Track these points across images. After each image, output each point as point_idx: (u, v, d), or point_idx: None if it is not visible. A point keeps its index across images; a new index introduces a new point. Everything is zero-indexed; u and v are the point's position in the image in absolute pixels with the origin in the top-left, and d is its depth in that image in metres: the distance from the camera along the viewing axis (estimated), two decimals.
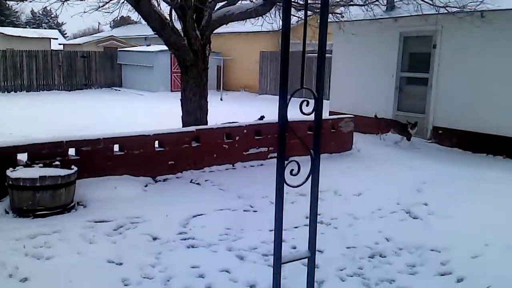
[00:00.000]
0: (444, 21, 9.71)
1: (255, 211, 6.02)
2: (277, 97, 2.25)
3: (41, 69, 23.36)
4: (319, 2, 2.22)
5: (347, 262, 4.52)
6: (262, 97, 21.53)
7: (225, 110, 13.98)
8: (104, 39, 32.53)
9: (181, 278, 4.12)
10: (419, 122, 10.21)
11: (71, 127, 10.85)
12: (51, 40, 32.66)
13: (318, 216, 2.54)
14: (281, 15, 2.20)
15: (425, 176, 7.54)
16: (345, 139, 9.53)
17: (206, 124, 8.84)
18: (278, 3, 9.34)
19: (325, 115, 10.76)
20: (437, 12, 9.32)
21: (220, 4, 9.47)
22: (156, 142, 7.36)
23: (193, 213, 5.75)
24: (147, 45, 25.98)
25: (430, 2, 9.09)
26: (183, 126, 8.69)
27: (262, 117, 10.28)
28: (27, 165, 5.98)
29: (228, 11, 9.17)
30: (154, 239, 5.01)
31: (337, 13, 11.41)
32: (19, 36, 29.73)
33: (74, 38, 48.02)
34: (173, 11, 8.42)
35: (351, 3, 10.44)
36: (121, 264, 4.40)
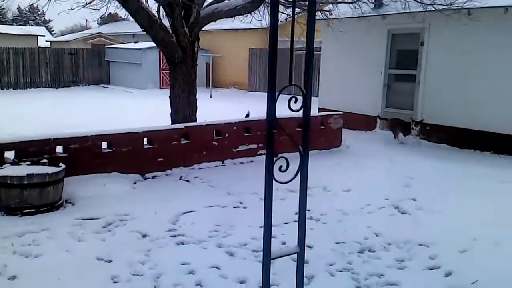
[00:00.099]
0: (432, 19, 9.78)
1: (245, 208, 6.03)
2: (267, 94, 2.26)
3: (28, 67, 23.15)
4: None
5: (336, 257, 4.55)
6: (251, 94, 21.54)
7: (214, 107, 13.97)
8: (91, 36, 32.30)
9: (171, 275, 4.11)
10: (407, 118, 10.28)
11: (58, 124, 10.76)
12: (38, 37, 32.31)
13: (307, 212, 2.56)
14: (269, 12, 2.21)
15: (413, 172, 7.60)
16: (334, 136, 9.57)
17: (195, 121, 8.83)
18: (267, 0, 9.34)
19: (315, 112, 10.80)
20: (424, 10, 9.40)
21: (209, 1, 9.45)
22: (145, 139, 7.33)
23: (183, 210, 5.74)
24: (135, 42, 25.83)
25: None
26: (172, 123, 8.66)
27: (248, 115, 10.29)
28: (14, 163, 5.93)
29: (216, 8, 9.15)
30: (144, 236, 4.99)
31: (326, 11, 11.46)
32: (6, 34, 29.32)
33: (62, 35, 47.59)
34: (161, 7, 8.38)
35: (339, 0, 10.49)
36: (110, 261, 4.38)
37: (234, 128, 8.22)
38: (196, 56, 8.95)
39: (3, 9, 50.83)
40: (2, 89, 22.17)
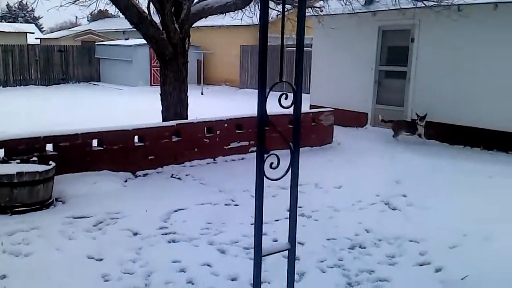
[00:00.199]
0: (422, 15, 9.81)
1: (236, 205, 6.03)
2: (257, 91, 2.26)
3: (17, 64, 22.95)
4: None
5: (327, 254, 4.56)
6: (243, 91, 21.52)
7: (206, 105, 13.94)
8: (81, 33, 32.07)
9: (162, 273, 4.10)
10: (398, 116, 10.33)
11: (48, 122, 10.69)
12: (28, 34, 32.03)
13: (299, 208, 2.57)
14: (260, 9, 2.21)
15: (403, 168, 7.64)
16: (326, 133, 9.59)
17: (187, 118, 8.80)
18: None
19: (306, 108, 10.81)
20: (414, 6, 9.43)
21: None
22: (136, 137, 7.30)
23: (174, 207, 5.73)
24: (126, 39, 25.72)
25: None
26: (163, 121, 8.63)
27: None
28: (4, 161, 5.88)
29: (207, 4, 9.12)
30: (135, 234, 4.97)
31: (316, 7, 11.46)
32: None
33: (51, 32, 47.23)
34: (151, 4, 8.34)
35: None
36: (101, 260, 4.36)
37: (226, 125, 8.20)
38: (187, 53, 8.92)
39: None
40: None
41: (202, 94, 19.51)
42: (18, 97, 18.12)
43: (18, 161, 5.86)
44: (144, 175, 7.20)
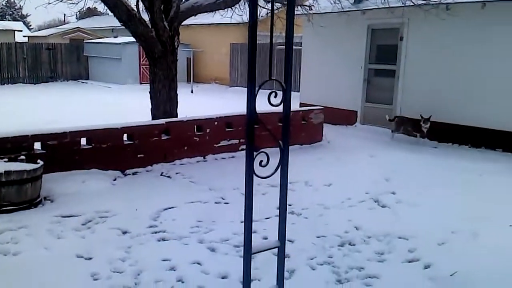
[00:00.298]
0: (411, 14, 9.86)
1: (226, 203, 6.02)
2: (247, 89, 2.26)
3: (5, 62, 22.76)
4: None
5: (317, 251, 4.58)
6: (233, 89, 21.50)
7: (195, 103, 13.91)
8: (70, 31, 31.86)
9: (152, 271, 4.09)
10: (387, 113, 10.37)
11: (37, 120, 10.60)
12: (15, 32, 31.77)
13: (289, 206, 2.57)
14: (249, 6, 2.20)
15: (393, 166, 7.68)
16: (316, 131, 9.61)
17: (176, 116, 8.77)
18: None
19: (296, 107, 10.82)
20: (403, 5, 9.47)
21: None
22: (125, 135, 7.27)
23: (164, 206, 5.71)
24: (115, 37, 25.56)
25: None
26: (152, 119, 8.60)
27: None
28: None
29: (196, 2, 9.08)
30: (124, 233, 4.95)
31: (306, 5, 11.47)
32: None
33: (39, 30, 46.79)
34: (140, 2, 8.29)
35: None
36: (90, 258, 4.34)
37: (216, 123, 8.19)
38: (177, 50, 8.88)
39: None
40: None
41: (192, 92, 19.47)
42: (6, 95, 17.96)
43: (6, 159, 5.81)
44: (134, 173, 7.17)
